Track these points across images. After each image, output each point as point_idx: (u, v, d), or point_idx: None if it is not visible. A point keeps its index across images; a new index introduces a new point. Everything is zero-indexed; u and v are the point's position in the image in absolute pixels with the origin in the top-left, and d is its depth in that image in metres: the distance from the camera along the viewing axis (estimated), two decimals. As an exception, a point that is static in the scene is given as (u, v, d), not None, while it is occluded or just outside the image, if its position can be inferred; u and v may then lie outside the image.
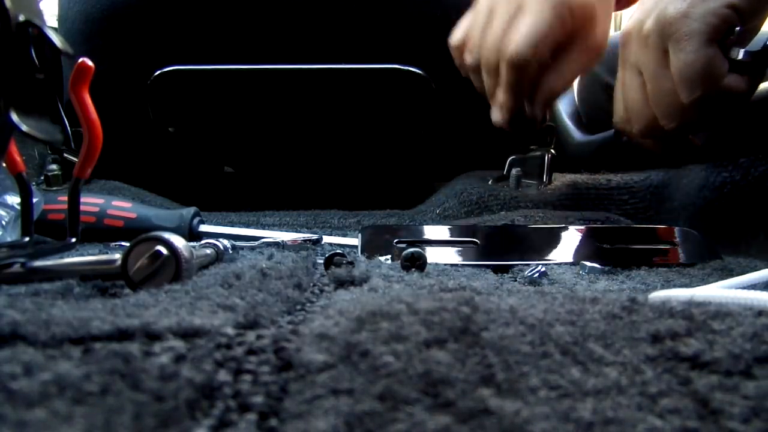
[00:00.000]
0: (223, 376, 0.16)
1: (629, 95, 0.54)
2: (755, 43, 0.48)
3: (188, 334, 0.18)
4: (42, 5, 0.31)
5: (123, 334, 0.17)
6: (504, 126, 0.62)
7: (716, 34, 0.45)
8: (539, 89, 0.58)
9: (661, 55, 0.49)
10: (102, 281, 0.30)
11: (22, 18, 0.28)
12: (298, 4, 0.74)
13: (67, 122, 0.34)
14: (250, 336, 0.18)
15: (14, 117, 0.27)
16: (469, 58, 0.61)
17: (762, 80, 0.50)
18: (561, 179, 0.75)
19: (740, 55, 0.47)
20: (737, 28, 0.46)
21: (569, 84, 0.62)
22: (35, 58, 0.29)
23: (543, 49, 0.54)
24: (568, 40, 0.55)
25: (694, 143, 0.58)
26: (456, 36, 0.64)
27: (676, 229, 0.49)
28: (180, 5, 0.75)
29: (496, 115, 0.62)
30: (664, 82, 0.49)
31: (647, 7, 0.50)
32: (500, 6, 0.56)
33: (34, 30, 0.28)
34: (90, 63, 0.33)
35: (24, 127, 0.28)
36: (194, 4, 0.75)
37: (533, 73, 0.56)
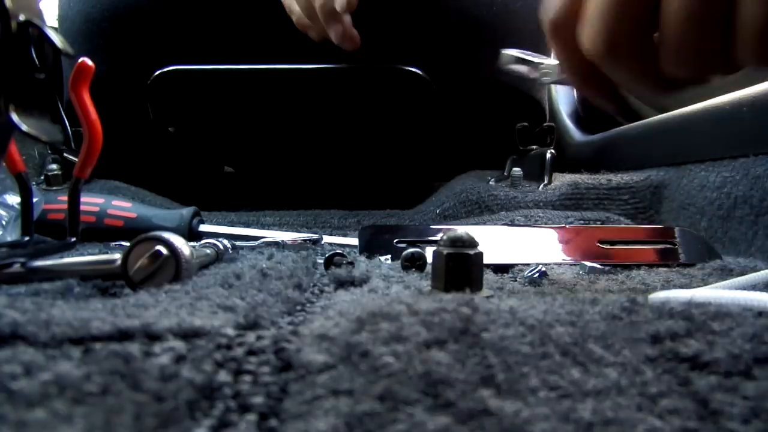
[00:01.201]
0: (223, 376, 0.16)
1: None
2: None
3: (188, 334, 0.18)
4: (42, 5, 0.31)
5: (123, 335, 0.17)
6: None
7: None
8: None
9: None
10: (102, 281, 0.31)
11: (22, 18, 0.28)
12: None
13: (67, 122, 0.34)
14: (251, 336, 0.18)
15: (14, 117, 0.27)
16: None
17: None
18: (561, 179, 0.75)
19: None
20: None
21: None
22: (35, 58, 0.29)
23: None
24: None
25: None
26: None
27: (676, 229, 0.49)
28: (180, 5, 0.75)
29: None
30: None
31: None
32: None
33: (34, 30, 0.28)
34: (90, 63, 0.33)
35: (24, 127, 0.28)
36: (194, 5, 0.75)
37: None
